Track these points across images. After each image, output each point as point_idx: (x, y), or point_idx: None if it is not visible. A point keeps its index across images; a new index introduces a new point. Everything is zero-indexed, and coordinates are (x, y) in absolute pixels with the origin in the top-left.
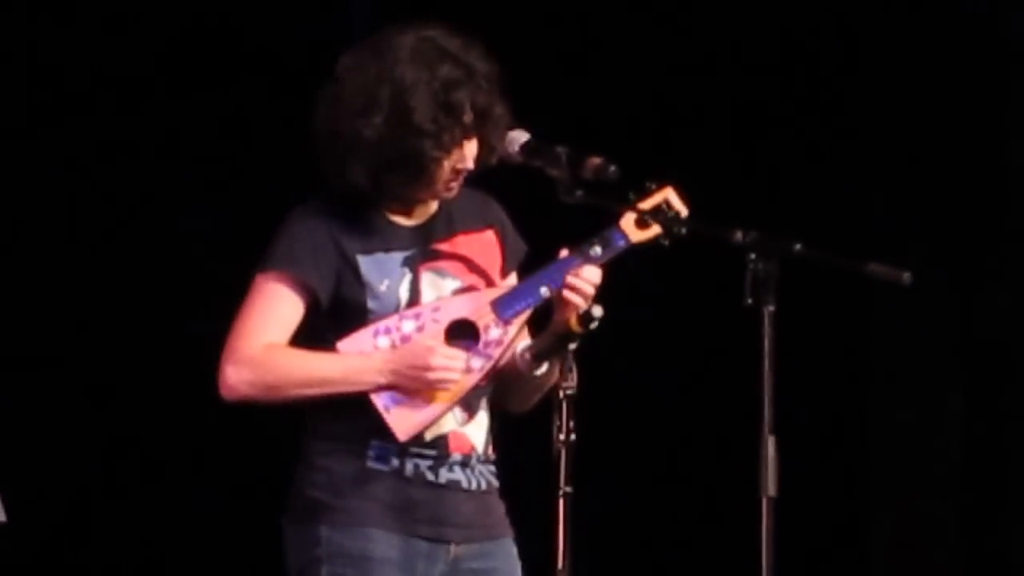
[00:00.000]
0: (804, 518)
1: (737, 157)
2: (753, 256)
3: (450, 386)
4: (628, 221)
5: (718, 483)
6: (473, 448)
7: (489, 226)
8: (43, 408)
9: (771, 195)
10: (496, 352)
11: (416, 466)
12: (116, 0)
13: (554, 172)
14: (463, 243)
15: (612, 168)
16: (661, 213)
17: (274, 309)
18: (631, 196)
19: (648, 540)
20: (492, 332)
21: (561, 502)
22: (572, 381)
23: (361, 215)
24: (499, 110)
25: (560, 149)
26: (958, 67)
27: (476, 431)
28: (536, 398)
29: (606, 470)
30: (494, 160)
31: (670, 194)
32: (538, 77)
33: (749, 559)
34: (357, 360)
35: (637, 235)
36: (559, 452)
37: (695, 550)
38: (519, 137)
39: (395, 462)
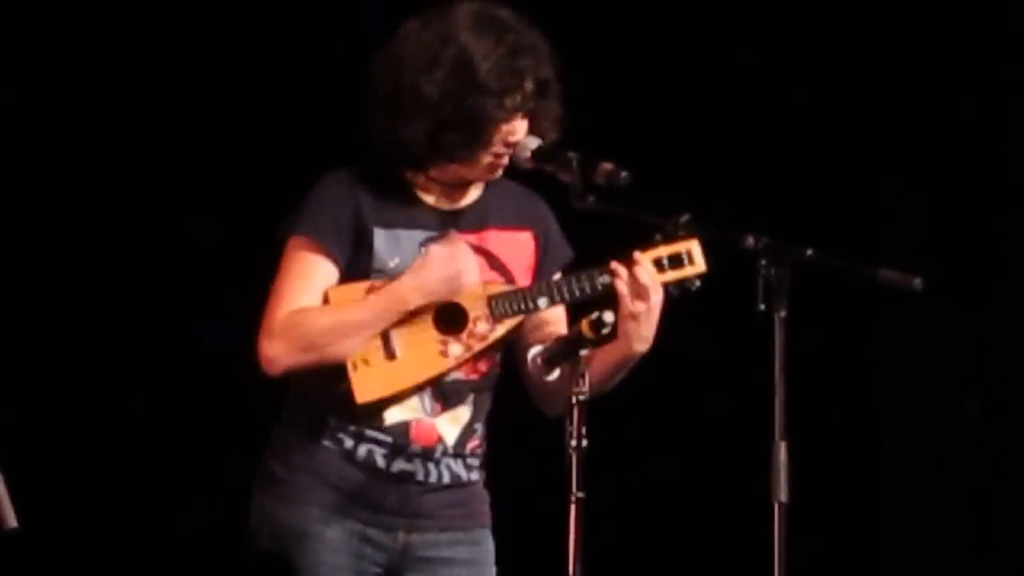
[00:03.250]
0: (816, 523)
1: (749, 162)
2: (765, 262)
3: (474, 285)
4: (647, 258)
5: (730, 488)
6: (440, 440)
7: (528, 227)
8: (52, 413)
9: (783, 200)
10: (477, 346)
11: (369, 452)
12: None
13: (566, 177)
14: (491, 238)
15: (624, 174)
16: (679, 262)
17: (304, 277)
18: (657, 237)
19: (660, 545)
20: (480, 326)
21: (573, 507)
22: (584, 386)
23: (393, 190)
24: (557, 91)
25: (571, 154)
26: (967, 72)
27: (448, 424)
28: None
29: (618, 475)
30: (554, 135)
31: (694, 246)
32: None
33: (761, 564)
34: (382, 296)
35: None
36: (571, 457)
37: (707, 555)
38: (530, 143)
39: (348, 443)
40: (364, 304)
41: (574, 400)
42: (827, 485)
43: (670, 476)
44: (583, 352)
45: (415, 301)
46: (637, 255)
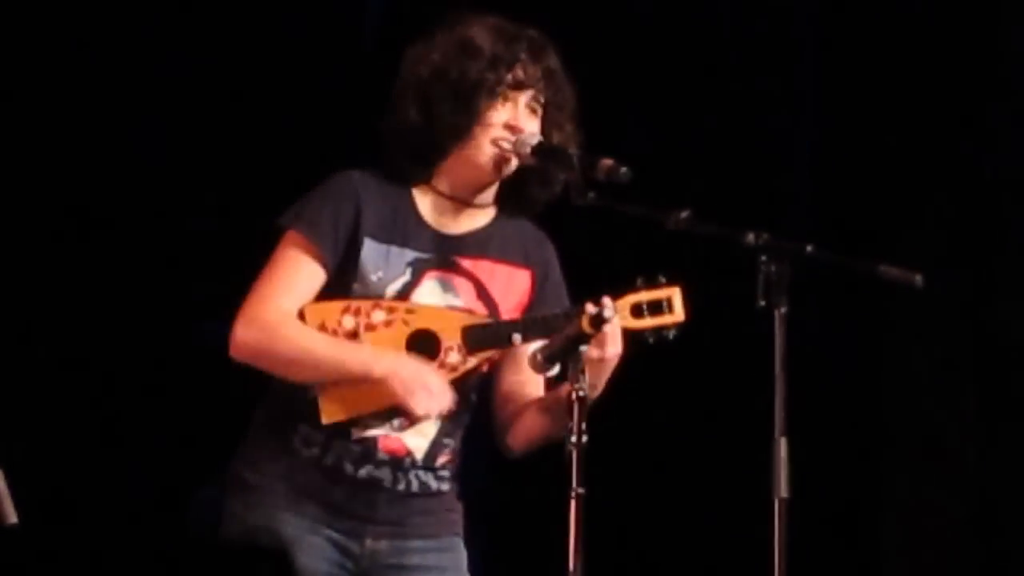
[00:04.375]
0: (817, 519)
1: (748, 159)
2: (765, 258)
3: (432, 413)
4: (625, 303)
5: (731, 485)
6: (409, 453)
7: (528, 266)
8: (51, 409)
9: (783, 196)
10: (447, 377)
11: (338, 458)
12: None
13: (566, 174)
14: (485, 268)
15: (624, 170)
16: (659, 309)
17: (294, 277)
18: (639, 282)
19: (660, 541)
20: (451, 356)
21: (573, 503)
22: (584, 383)
23: (397, 204)
24: (565, 88)
25: (572, 151)
26: (966, 69)
27: (415, 439)
28: (524, 442)
29: (618, 471)
30: (557, 140)
31: (675, 295)
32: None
33: (762, 560)
34: (355, 352)
35: (627, 321)
36: (571, 453)
37: (708, 551)
38: (530, 139)
39: (315, 450)
40: (336, 348)
41: (574, 396)
42: (827, 481)
43: (670, 472)
44: (583, 348)
45: (377, 373)
46: (606, 301)
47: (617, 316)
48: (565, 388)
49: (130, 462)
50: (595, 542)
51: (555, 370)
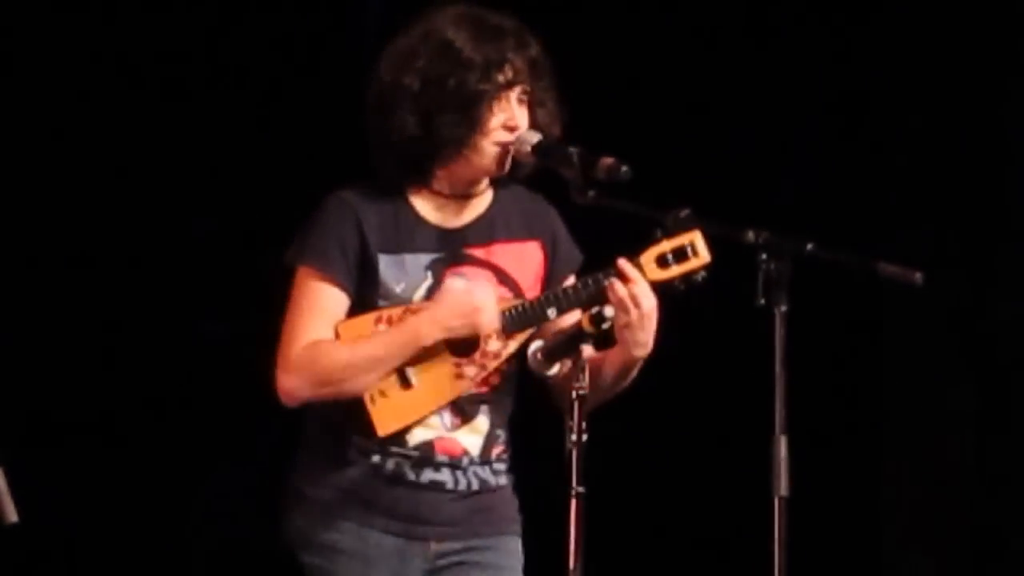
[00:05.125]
0: (817, 518)
1: (749, 157)
2: (765, 256)
3: (495, 326)
4: (649, 257)
5: (730, 483)
6: (465, 452)
7: (536, 237)
8: (52, 407)
9: (782, 194)
10: (491, 364)
11: (397, 464)
12: None
13: (566, 172)
14: (499, 252)
15: (624, 168)
16: (683, 255)
17: (316, 307)
18: (658, 232)
19: (660, 540)
20: (492, 344)
21: (573, 502)
22: (584, 381)
23: (396, 211)
24: (550, 78)
25: (572, 149)
26: (967, 64)
27: (470, 436)
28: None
29: (618, 470)
30: (556, 131)
31: (696, 237)
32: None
33: (762, 559)
34: (400, 332)
35: (655, 273)
36: (571, 452)
37: (707, 549)
38: (531, 137)
39: (375, 459)
40: (381, 339)
41: (574, 395)
42: (827, 479)
43: (670, 471)
44: (583, 346)
45: (433, 336)
46: (622, 263)
47: (634, 273)
48: (612, 353)
49: (131, 460)
50: (595, 541)
51: (555, 369)
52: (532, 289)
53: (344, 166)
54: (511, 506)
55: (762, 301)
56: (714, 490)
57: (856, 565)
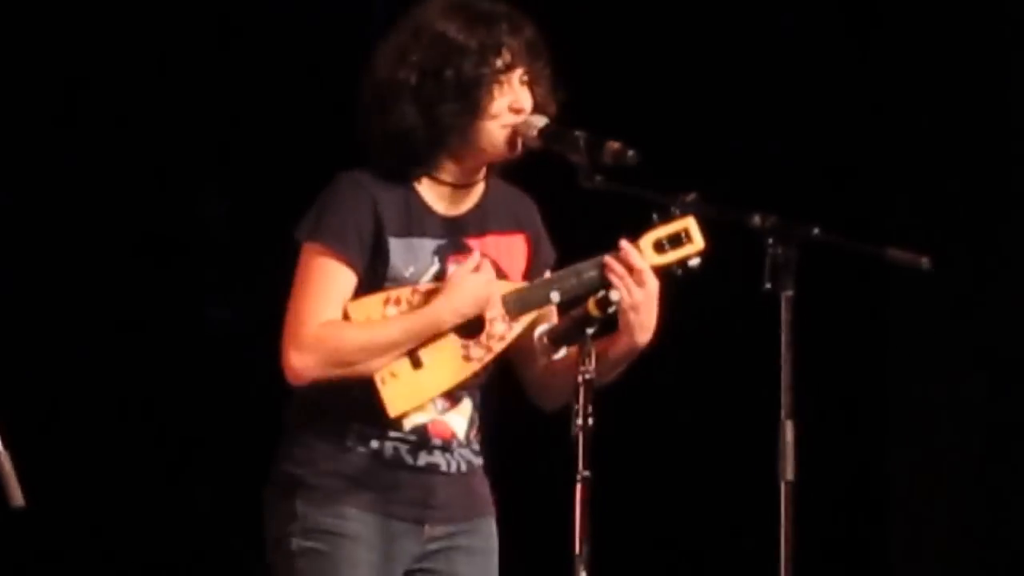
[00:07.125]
0: (823, 503)
1: (756, 142)
2: (772, 241)
3: (499, 307)
4: (647, 242)
5: (737, 468)
6: (454, 435)
7: (521, 230)
8: (59, 393)
9: (790, 179)
10: (497, 347)
11: (395, 449)
12: None
13: (573, 157)
14: (492, 243)
15: (631, 153)
16: (678, 241)
17: (329, 286)
18: (654, 218)
19: (666, 524)
20: (497, 326)
21: (579, 486)
22: (590, 365)
23: (404, 196)
24: (543, 55)
25: (578, 133)
26: (972, 54)
27: (457, 419)
28: (559, 396)
29: (624, 454)
30: (552, 110)
31: (690, 224)
32: (558, 63)
33: (767, 543)
34: (417, 317)
35: (653, 258)
36: (577, 436)
37: (714, 534)
38: (537, 122)
39: (374, 444)
40: (399, 324)
41: (580, 379)
42: (834, 464)
43: (676, 456)
44: (589, 331)
45: (450, 322)
46: (624, 243)
47: (636, 253)
48: (615, 338)
49: (136, 445)
50: (601, 525)
51: (562, 352)
52: (518, 281)
53: (351, 152)
54: (487, 487)
55: (769, 286)
56: (720, 475)
57: (863, 550)
